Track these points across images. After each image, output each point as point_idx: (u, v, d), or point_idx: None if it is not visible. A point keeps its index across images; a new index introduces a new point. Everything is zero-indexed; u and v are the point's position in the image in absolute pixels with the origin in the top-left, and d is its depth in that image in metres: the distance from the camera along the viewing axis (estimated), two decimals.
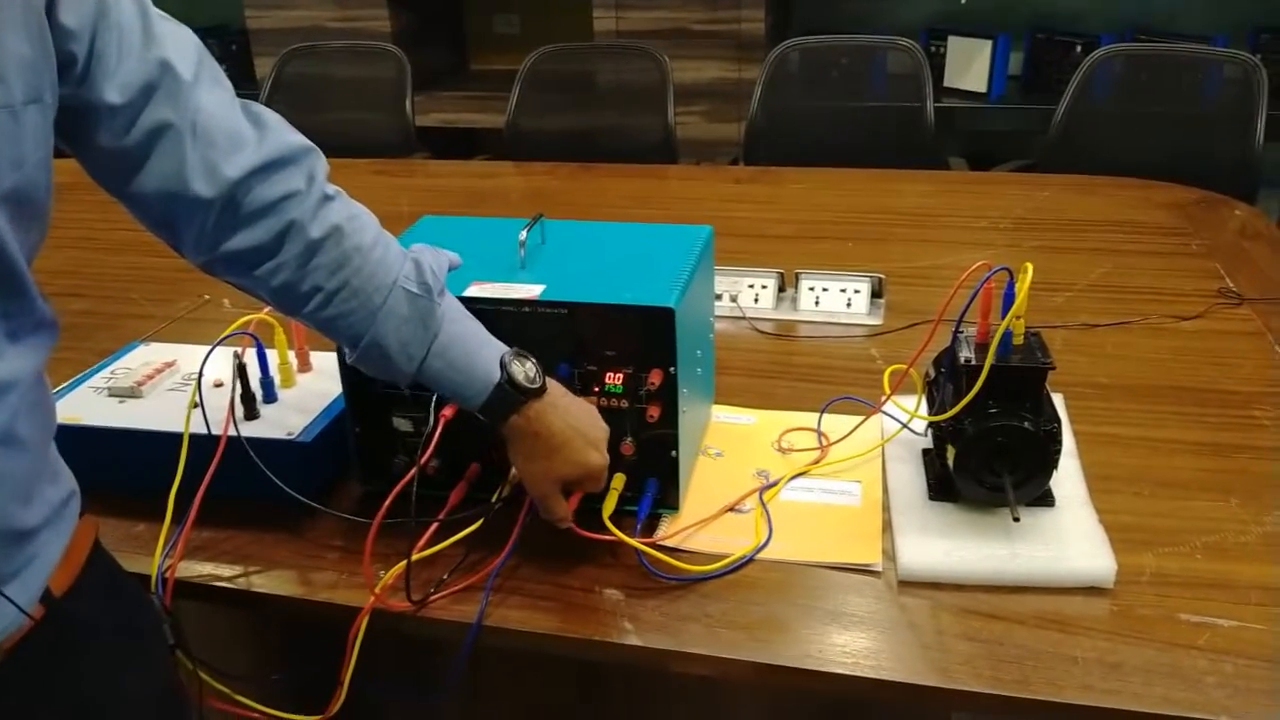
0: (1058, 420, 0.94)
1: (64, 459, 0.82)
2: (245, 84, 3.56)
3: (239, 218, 0.81)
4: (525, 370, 0.88)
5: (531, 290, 0.95)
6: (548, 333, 0.95)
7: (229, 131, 0.80)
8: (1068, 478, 1.02)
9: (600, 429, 0.93)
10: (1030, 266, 0.88)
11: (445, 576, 0.93)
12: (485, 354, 0.88)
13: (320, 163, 0.87)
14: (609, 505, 0.95)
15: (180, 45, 0.78)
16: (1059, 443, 0.93)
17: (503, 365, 0.87)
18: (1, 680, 0.74)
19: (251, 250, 0.82)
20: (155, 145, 0.77)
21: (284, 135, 0.84)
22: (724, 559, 0.93)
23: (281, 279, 0.83)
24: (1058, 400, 1.09)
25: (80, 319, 1.51)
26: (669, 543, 0.97)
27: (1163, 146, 2.23)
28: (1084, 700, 0.78)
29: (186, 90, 0.77)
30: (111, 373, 1.15)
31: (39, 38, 0.67)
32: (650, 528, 0.98)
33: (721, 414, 1.18)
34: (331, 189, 0.86)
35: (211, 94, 0.79)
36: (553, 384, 0.90)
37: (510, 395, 0.87)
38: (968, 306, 0.91)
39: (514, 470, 0.96)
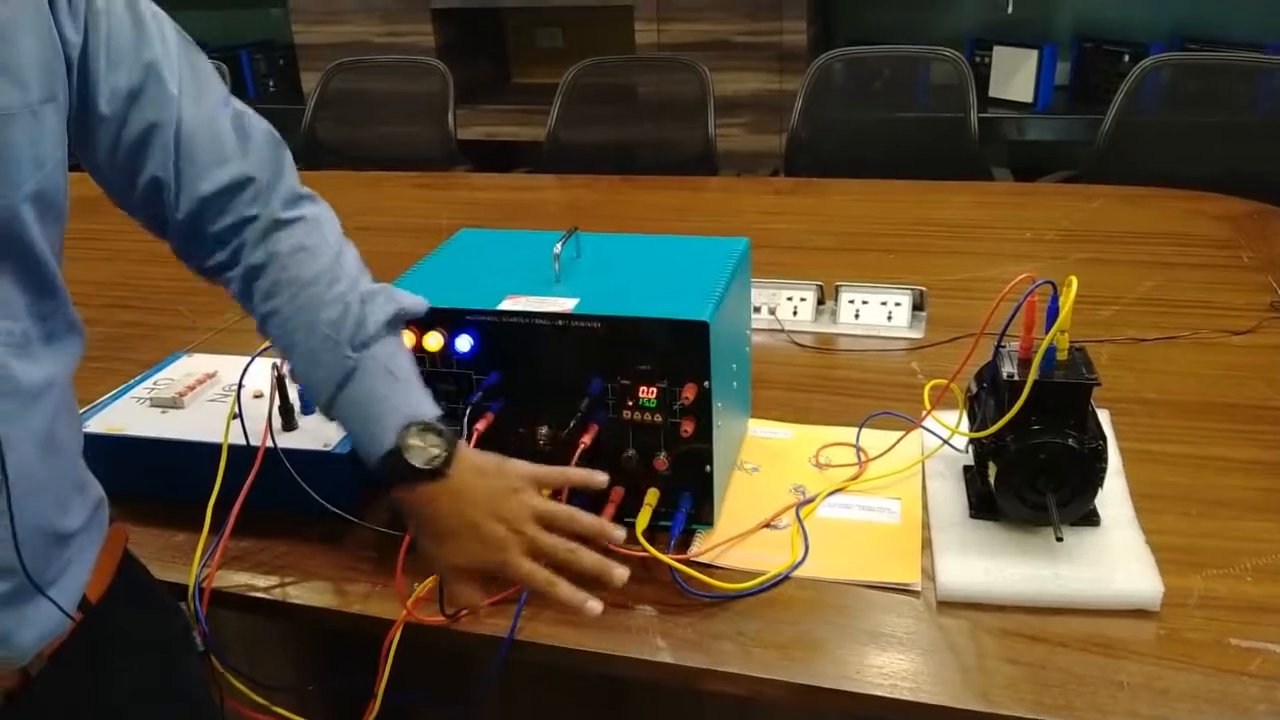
0: (1103, 437, 0.91)
1: (106, 468, 0.83)
2: (292, 98, 3.62)
3: (204, 237, 0.83)
4: (427, 448, 0.80)
5: (565, 304, 0.95)
6: (581, 346, 0.94)
7: (210, 143, 0.80)
8: (1113, 497, 0.99)
9: (500, 528, 0.81)
10: (1075, 280, 0.86)
11: None
12: (390, 420, 0.81)
13: (284, 183, 0.86)
14: (642, 521, 0.94)
15: (167, 46, 0.78)
16: (1104, 460, 0.91)
17: (401, 436, 0.80)
18: (41, 688, 0.75)
19: (213, 266, 0.86)
20: (144, 151, 0.77)
21: (263, 152, 0.84)
22: (759, 576, 0.92)
23: (235, 289, 0.86)
24: (1103, 416, 1.07)
25: (126, 330, 1.53)
26: (703, 559, 0.96)
27: (1213, 157, 2.18)
28: None
29: (171, 98, 0.77)
30: (154, 383, 1.16)
31: (48, 37, 0.68)
32: (684, 544, 0.97)
33: (758, 428, 1.17)
34: (292, 213, 0.85)
35: (197, 104, 0.79)
36: (466, 467, 0.82)
37: (398, 469, 0.80)
38: (1010, 320, 0.90)
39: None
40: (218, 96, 0.81)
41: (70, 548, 0.76)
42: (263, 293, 0.84)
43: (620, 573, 0.83)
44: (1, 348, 0.67)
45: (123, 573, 0.84)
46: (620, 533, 0.85)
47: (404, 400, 0.83)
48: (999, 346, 0.94)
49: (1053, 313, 0.89)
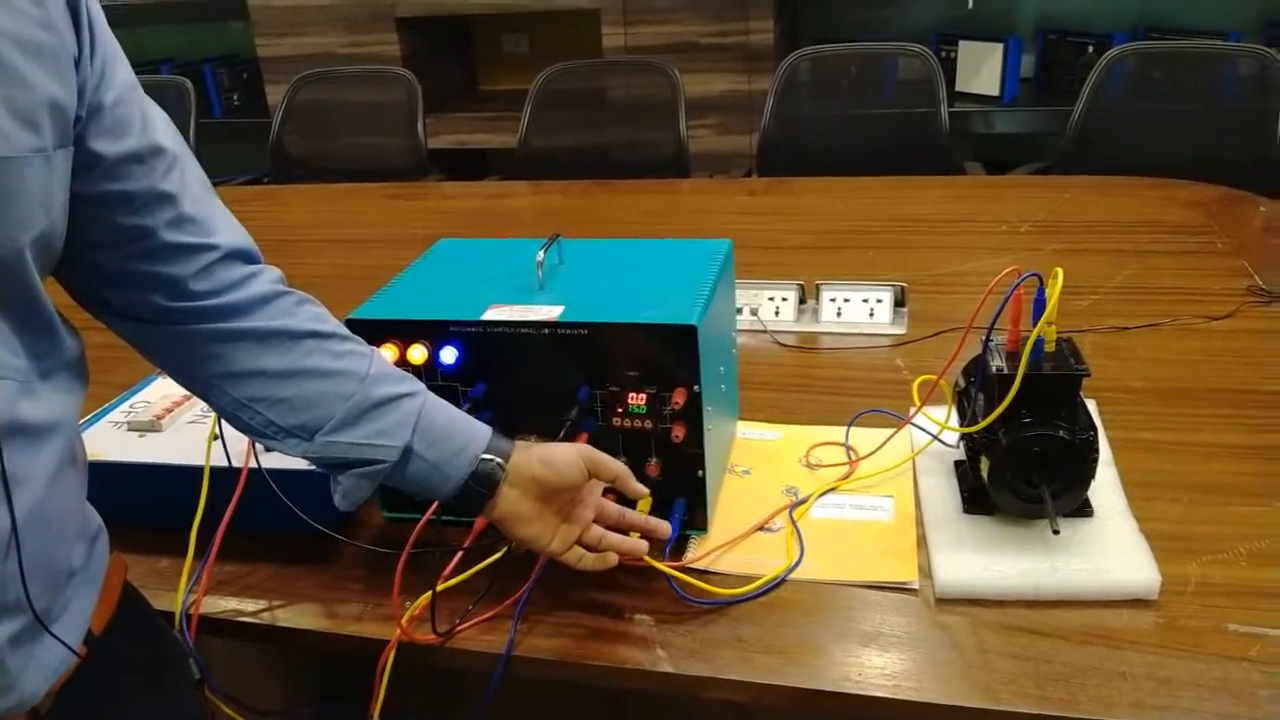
0: (1094, 428, 0.91)
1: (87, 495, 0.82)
2: (258, 112, 3.58)
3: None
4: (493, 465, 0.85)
5: (551, 312, 0.94)
6: (568, 354, 0.93)
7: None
8: (1104, 486, 0.99)
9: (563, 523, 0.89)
10: (1060, 271, 0.86)
11: (471, 607, 0.91)
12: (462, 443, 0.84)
13: None
14: None
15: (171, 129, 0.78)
16: (1096, 451, 0.91)
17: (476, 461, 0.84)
18: None
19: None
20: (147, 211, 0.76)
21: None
22: (755, 580, 0.91)
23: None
24: (1090, 406, 1.07)
25: (100, 353, 1.48)
26: (698, 565, 0.95)
27: (1182, 145, 2.20)
28: (1135, 718, 0.76)
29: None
30: (131, 407, 1.14)
31: (70, 81, 0.67)
32: (678, 550, 0.96)
33: (747, 430, 1.16)
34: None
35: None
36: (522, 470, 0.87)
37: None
38: (998, 314, 0.89)
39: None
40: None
41: (73, 584, 0.75)
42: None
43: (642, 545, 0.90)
44: (7, 383, 0.66)
45: (123, 604, 0.83)
46: (665, 526, 0.92)
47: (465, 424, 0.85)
48: (987, 341, 0.94)
49: (1039, 305, 0.89)
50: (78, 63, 0.68)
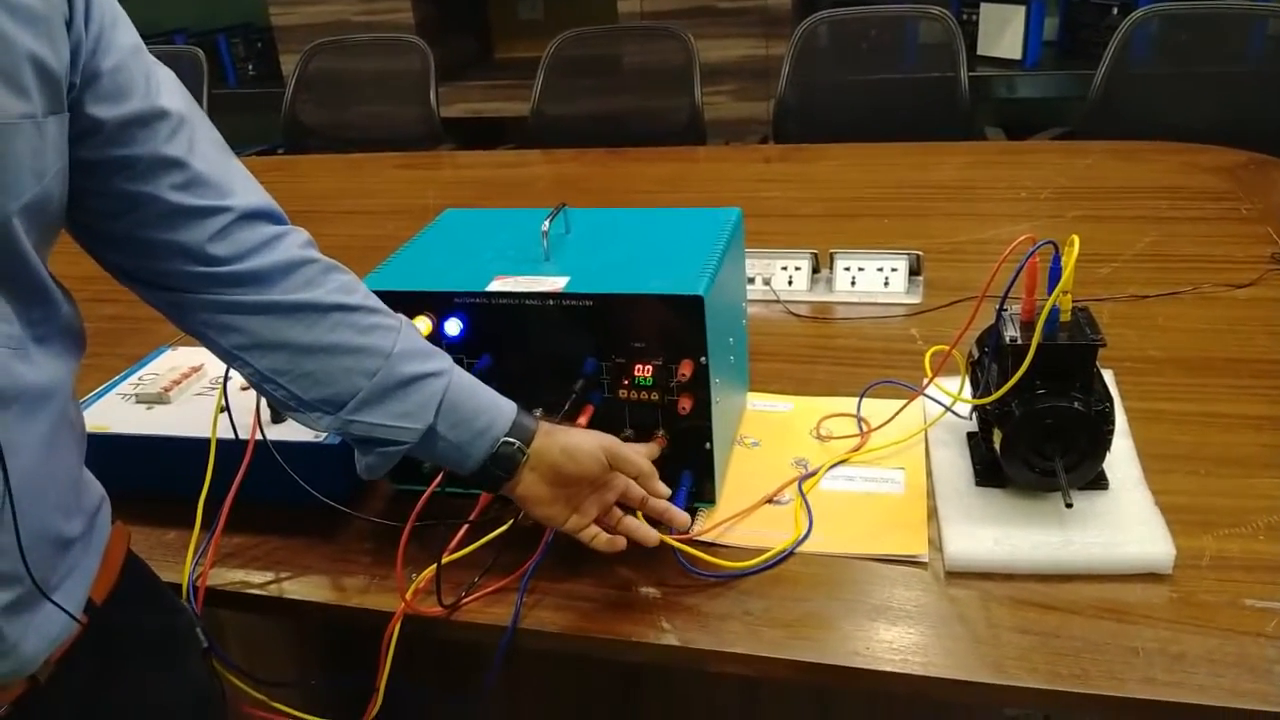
0: (1109, 399, 0.90)
1: (93, 467, 0.82)
2: (272, 82, 3.57)
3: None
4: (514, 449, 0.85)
5: (556, 283, 0.93)
6: (574, 326, 0.92)
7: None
8: (1120, 458, 0.97)
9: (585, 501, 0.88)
10: (1077, 239, 0.84)
11: (477, 579, 0.91)
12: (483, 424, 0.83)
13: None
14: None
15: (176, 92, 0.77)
16: (1112, 423, 0.89)
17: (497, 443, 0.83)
18: (51, 692, 0.74)
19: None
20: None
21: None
22: (763, 553, 0.90)
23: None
24: (1107, 376, 1.05)
25: (109, 324, 1.50)
26: (705, 538, 0.94)
27: (1207, 108, 2.15)
28: (1146, 694, 0.74)
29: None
30: (139, 379, 1.14)
31: (61, 46, 0.66)
32: None
33: (757, 402, 1.15)
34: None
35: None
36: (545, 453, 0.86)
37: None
38: (1012, 283, 0.87)
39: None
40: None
41: (73, 552, 0.75)
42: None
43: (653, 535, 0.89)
44: (3, 350, 0.66)
45: (126, 572, 0.83)
46: (685, 518, 0.91)
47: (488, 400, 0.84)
48: (1001, 310, 0.92)
49: (1055, 273, 0.87)
50: (69, 26, 0.67)
